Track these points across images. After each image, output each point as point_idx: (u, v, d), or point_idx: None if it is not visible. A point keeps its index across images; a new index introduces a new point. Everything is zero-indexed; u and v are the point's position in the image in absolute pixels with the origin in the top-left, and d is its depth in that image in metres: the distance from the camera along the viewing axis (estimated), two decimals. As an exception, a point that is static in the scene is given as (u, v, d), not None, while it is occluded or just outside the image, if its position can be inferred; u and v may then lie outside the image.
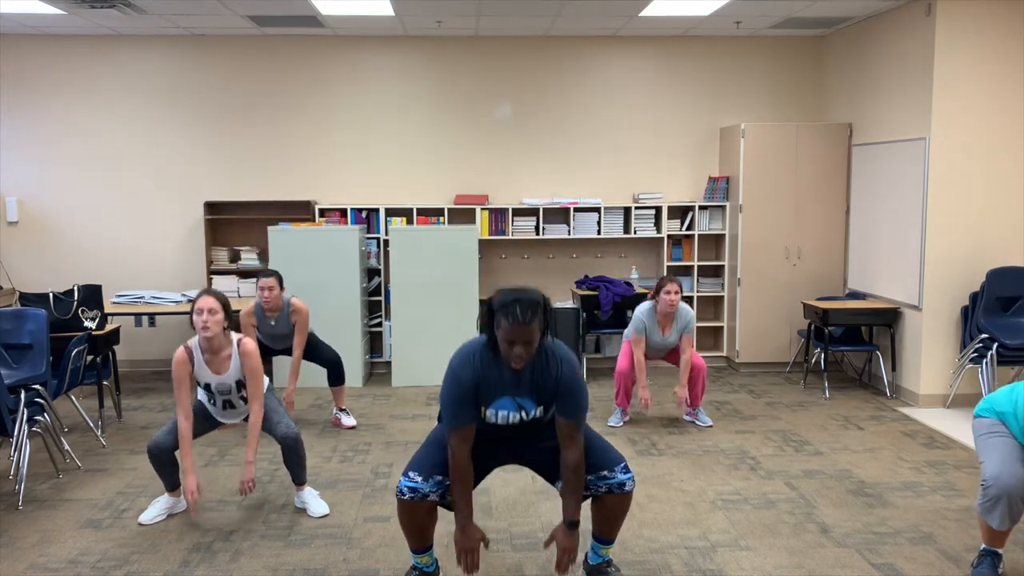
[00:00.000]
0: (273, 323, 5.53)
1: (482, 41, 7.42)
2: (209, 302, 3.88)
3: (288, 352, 5.65)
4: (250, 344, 4.02)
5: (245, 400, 4.12)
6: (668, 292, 5.42)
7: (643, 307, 5.57)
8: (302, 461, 4.17)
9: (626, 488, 3.22)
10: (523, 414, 3.12)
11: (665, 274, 7.36)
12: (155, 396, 6.56)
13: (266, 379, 4.20)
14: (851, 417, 5.87)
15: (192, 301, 3.92)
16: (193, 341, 4.00)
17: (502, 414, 3.11)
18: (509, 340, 2.92)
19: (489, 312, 2.97)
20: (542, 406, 3.14)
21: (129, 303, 6.65)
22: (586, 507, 3.30)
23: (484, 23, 6.87)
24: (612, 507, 3.25)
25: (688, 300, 7.49)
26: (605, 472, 3.20)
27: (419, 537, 3.26)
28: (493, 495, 4.36)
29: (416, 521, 3.20)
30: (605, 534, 3.34)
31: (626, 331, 5.68)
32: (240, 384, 4.07)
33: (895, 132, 6.37)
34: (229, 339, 4.01)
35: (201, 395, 4.17)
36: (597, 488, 3.22)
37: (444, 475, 3.14)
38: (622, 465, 3.24)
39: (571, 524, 3.10)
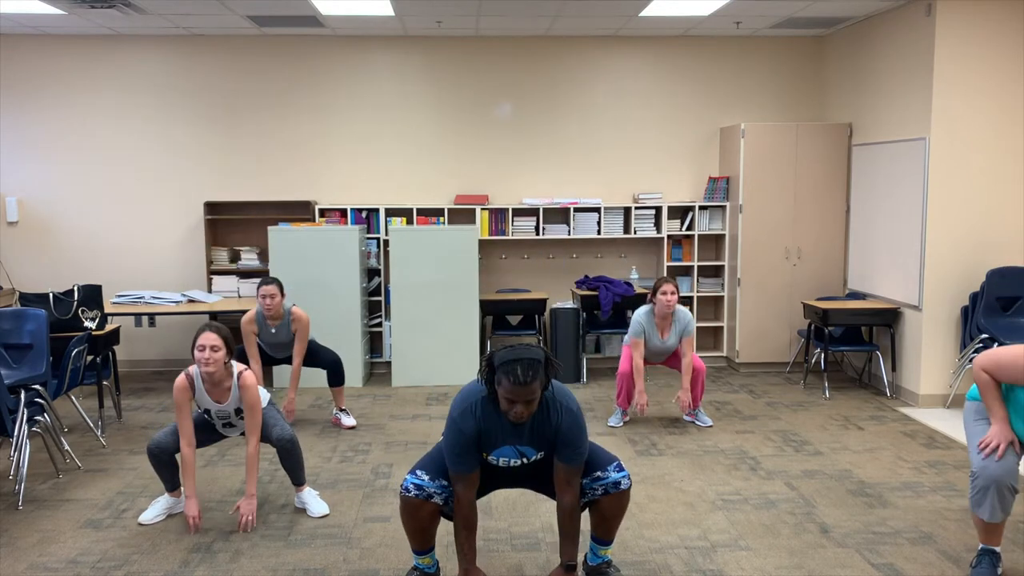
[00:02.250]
0: (274, 331, 5.53)
1: (482, 41, 7.42)
2: (211, 339, 3.85)
3: (288, 361, 5.65)
4: (250, 378, 4.00)
5: (243, 420, 4.12)
6: (664, 293, 5.42)
7: (641, 310, 5.58)
8: (299, 462, 4.16)
9: (622, 487, 3.22)
10: (524, 460, 3.17)
11: (665, 274, 7.37)
12: (155, 396, 6.56)
13: (266, 394, 4.20)
14: (851, 417, 5.87)
15: (194, 337, 3.91)
16: (194, 369, 3.98)
17: (503, 460, 3.16)
18: (510, 399, 2.93)
19: (490, 368, 2.97)
20: (543, 451, 3.17)
21: (129, 303, 6.65)
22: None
23: (484, 23, 6.87)
24: (609, 508, 3.25)
25: (688, 300, 7.49)
26: (598, 472, 3.21)
27: (420, 538, 3.26)
28: (493, 495, 4.35)
29: (418, 522, 3.20)
30: (604, 535, 3.34)
31: (626, 336, 5.69)
32: (239, 411, 4.08)
33: (895, 132, 6.37)
34: (230, 371, 4.00)
35: (201, 415, 4.17)
36: (593, 492, 3.22)
37: (450, 480, 3.15)
38: (615, 464, 3.24)
39: (568, 567, 3.14)
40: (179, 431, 3.96)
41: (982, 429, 3.39)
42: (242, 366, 4.06)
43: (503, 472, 3.24)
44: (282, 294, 5.45)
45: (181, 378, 3.97)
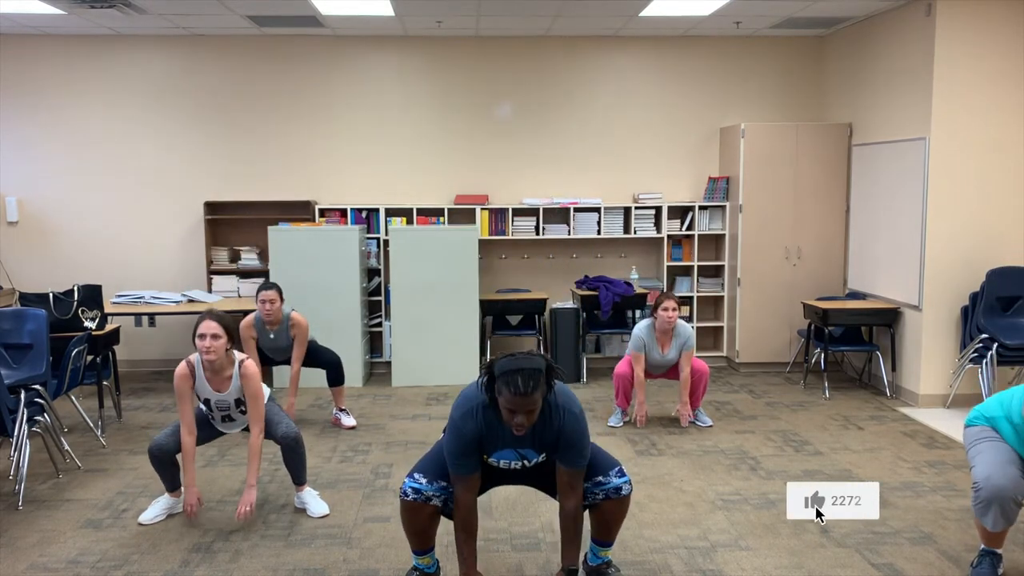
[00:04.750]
0: (272, 336, 5.54)
1: (482, 41, 7.42)
2: (212, 327, 3.85)
3: (288, 362, 5.65)
4: (252, 367, 4.00)
5: (244, 413, 4.12)
6: (666, 309, 5.44)
7: (642, 325, 5.60)
8: (302, 461, 4.17)
9: (623, 493, 3.22)
10: (525, 462, 3.17)
11: (665, 276, 7.38)
12: (155, 396, 6.56)
13: (267, 389, 4.20)
14: (851, 417, 5.87)
15: (196, 324, 3.90)
16: (195, 356, 3.99)
17: (504, 462, 3.16)
18: (510, 409, 2.91)
19: (490, 376, 2.96)
20: (544, 453, 3.17)
21: (129, 303, 6.65)
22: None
23: (484, 23, 6.87)
24: (610, 513, 3.26)
25: (688, 300, 7.49)
26: (600, 477, 3.20)
27: (420, 539, 3.27)
28: (493, 495, 4.33)
29: (418, 524, 3.20)
30: (604, 537, 3.34)
31: (627, 349, 5.71)
32: (239, 402, 4.07)
33: (895, 132, 6.37)
34: (232, 359, 4.00)
35: (200, 408, 4.17)
36: (594, 496, 3.22)
37: (448, 482, 3.15)
38: (617, 469, 3.24)
39: (570, 572, 3.14)
40: (180, 419, 3.97)
41: (984, 446, 3.35)
42: (243, 355, 4.06)
43: (504, 473, 3.24)
44: (281, 299, 5.45)
45: (182, 366, 3.98)
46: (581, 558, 3.45)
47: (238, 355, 4.02)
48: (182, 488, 4.15)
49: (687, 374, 5.54)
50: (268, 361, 5.72)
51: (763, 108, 7.58)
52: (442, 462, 3.17)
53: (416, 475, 3.18)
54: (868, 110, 6.79)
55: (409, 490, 3.15)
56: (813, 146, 7.12)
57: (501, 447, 3.11)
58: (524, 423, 2.93)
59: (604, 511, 3.25)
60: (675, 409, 5.74)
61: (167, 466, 4.06)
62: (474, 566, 3.14)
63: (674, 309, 5.45)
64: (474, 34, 7.31)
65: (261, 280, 6.39)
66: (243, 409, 4.09)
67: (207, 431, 4.19)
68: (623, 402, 5.67)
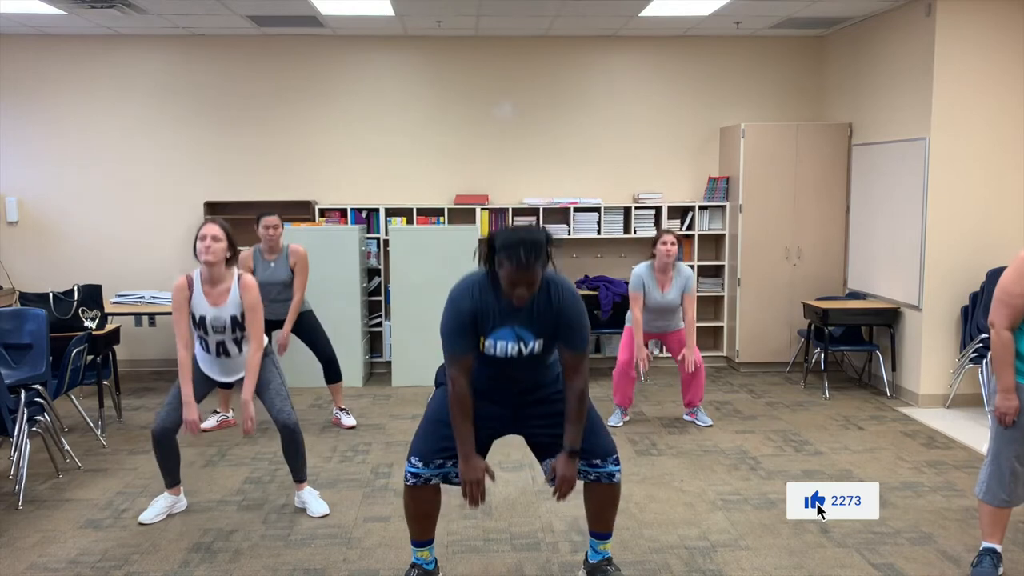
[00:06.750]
0: (272, 265, 5.47)
1: (482, 41, 7.42)
2: (213, 229, 3.87)
3: (284, 301, 5.47)
4: (250, 279, 4.01)
5: (239, 345, 4.05)
6: (664, 243, 5.41)
7: (641, 265, 5.57)
8: (301, 453, 4.14)
9: (614, 480, 3.23)
10: (522, 345, 3.10)
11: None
12: (155, 396, 6.56)
13: (267, 339, 4.18)
14: (851, 417, 5.87)
15: (197, 230, 3.91)
16: (195, 270, 3.98)
17: (500, 344, 3.10)
18: (511, 282, 2.92)
19: (490, 248, 2.96)
20: (541, 339, 3.12)
21: (129, 303, 6.65)
22: (582, 508, 3.32)
23: (484, 23, 6.87)
24: (601, 497, 3.26)
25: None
26: (597, 461, 3.21)
27: (424, 525, 3.27)
28: (493, 495, 4.35)
29: (422, 505, 3.22)
30: (599, 526, 3.34)
31: (628, 288, 5.63)
32: (235, 323, 3.99)
33: (895, 132, 6.37)
34: (231, 272, 3.99)
35: (196, 341, 4.07)
36: (587, 475, 3.23)
37: (444, 459, 3.15)
38: (613, 457, 3.24)
39: (572, 453, 3.10)
40: (176, 332, 3.95)
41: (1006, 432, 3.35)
42: (241, 270, 4.06)
43: (500, 383, 3.18)
44: (282, 227, 5.50)
45: (181, 278, 3.98)
46: (581, 558, 3.46)
47: (236, 269, 4.02)
48: (181, 488, 4.16)
49: (691, 316, 5.51)
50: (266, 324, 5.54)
51: (763, 108, 7.58)
52: (434, 435, 3.16)
53: (413, 459, 3.19)
54: (868, 110, 6.79)
55: (409, 475, 3.18)
56: (813, 146, 7.12)
57: (498, 325, 3.08)
58: (525, 294, 2.94)
59: (596, 494, 3.26)
60: (679, 355, 5.61)
61: (170, 453, 4.03)
62: (473, 448, 3.09)
63: (672, 243, 5.42)
64: (474, 34, 7.31)
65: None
66: (237, 337, 4.02)
67: (203, 387, 4.10)
68: (623, 401, 5.66)
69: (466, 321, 3.06)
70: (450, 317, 3.09)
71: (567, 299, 3.07)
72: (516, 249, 2.86)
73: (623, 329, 5.71)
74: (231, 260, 3.98)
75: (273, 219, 5.41)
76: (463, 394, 3.07)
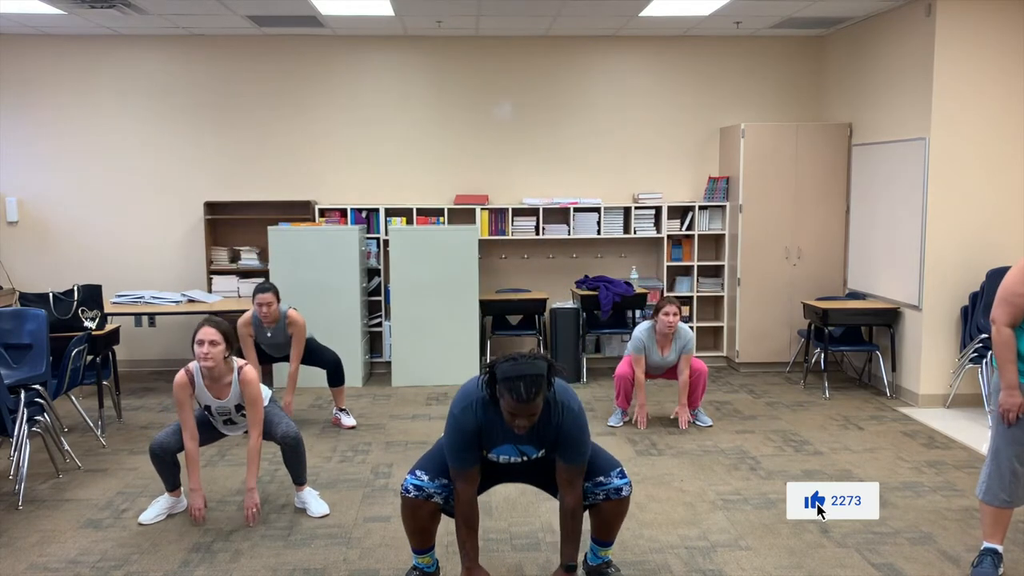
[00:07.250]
0: (270, 334, 5.54)
1: (482, 41, 7.42)
2: (210, 333, 3.84)
3: (287, 359, 5.65)
4: (251, 373, 4.00)
5: (245, 416, 4.11)
6: (667, 314, 5.45)
7: (642, 327, 5.62)
8: (302, 461, 4.16)
9: (623, 494, 3.22)
10: (525, 458, 3.16)
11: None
12: (155, 396, 6.56)
13: (267, 391, 4.19)
14: (851, 417, 5.87)
15: (194, 332, 3.89)
16: (194, 364, 3.97)
17: (503, 457, 3.16)
18: (512, 414, 2.92)
19: (492, 377, 2.95)
20: (544, 449, 3.16)
21: (129, 303, 6.65)
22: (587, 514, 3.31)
23: (484, 23, 6.87)
24: (610, 513, 3.26)
25: (688, 300, 7.49)
26: (601, 478, 3.20)
27: (421, 538, 3.27)
28: (493, 495, 4.34)
29: (418, 522, 3.20)
30: (604, 537, 3.35)
31: (627, 348, 5.72)
32: (239, 407, 4.07)
33: (895, 132, 6.37)
34: (231, 366, 3.99)
35: (201, 411, 4.16)
36: (595, 496, 3.22)
37: (450, 479, 3.15)
38: (618, 470, 3.24)
39: (569, 568, 3.14)
40: (181, 427, 3.96)
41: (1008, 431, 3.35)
42: (242, 361, 4.05)
43: (504, 468, 3.24)
44: (278, 299, 5.44)
45: (181, 374, 3.96)
46: (581, 558, 3.46)
47: (237, 361, 4.01)
48: (181, 490, 4.16)
49: (686, 377, 5.55)
50: (267, 359, 5.72)
51: (763, 108, 7.58)
52: (443, 460, 3.17)
53: (417, 472, 3.18)
54: (868, 110, 6.79)
55: (411, 487, 3.16)
56: (813, 146, 7.12)
57: (501, 442, 3.11)
58: (525, 425, 2.94)
59: (604, 511, 3.25)
60: (674, 411, 5.74)
61: (168, 465, 4.06)
62: (476, 560, 3.14)
63: (675, 314, 5.46)
64: (474, 34, 7.31)
65: (260, 280, 6.37)
66: (244, 413, 4.08)
67: (209, 433, 4.19)
68: (624, 403, 5.67)
69: (470, 439, 3.07)
70: (453, 434, 3.08)
71: (568, 418, 3.06)
72: (517, 384, 2.85)
73: (622, 337, 5.72)
74: (229, 355, 3.96)
75: (267, 296, 5.36)
76: (468, 506, 3.10)
